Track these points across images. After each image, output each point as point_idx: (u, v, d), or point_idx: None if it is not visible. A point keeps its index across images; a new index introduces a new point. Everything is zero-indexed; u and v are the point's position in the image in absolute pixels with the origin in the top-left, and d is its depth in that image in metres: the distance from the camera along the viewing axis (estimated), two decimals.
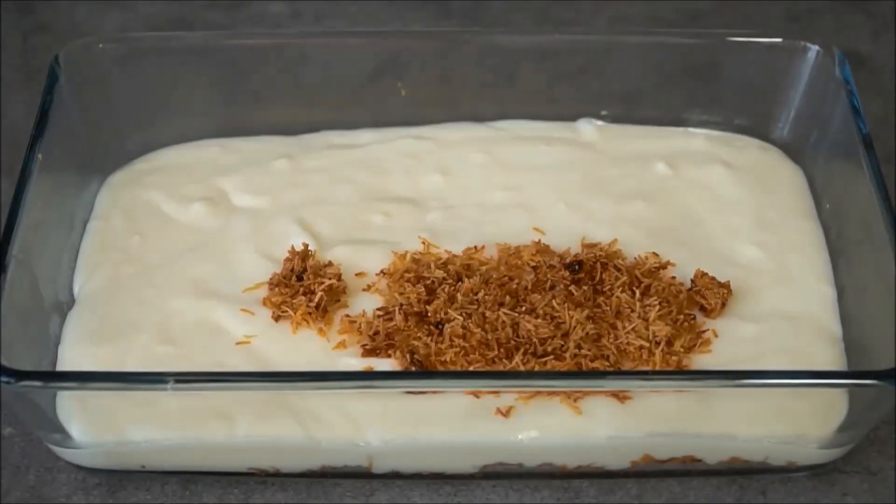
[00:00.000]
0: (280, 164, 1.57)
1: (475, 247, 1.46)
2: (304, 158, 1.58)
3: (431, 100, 1.61)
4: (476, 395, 1.32)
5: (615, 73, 1.65)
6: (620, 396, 1.33)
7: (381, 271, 1.43)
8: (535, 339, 1.34)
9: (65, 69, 1.54)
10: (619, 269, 1.41)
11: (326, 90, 1.64)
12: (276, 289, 1.39)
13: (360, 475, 1.38)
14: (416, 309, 1.37)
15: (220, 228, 1.50)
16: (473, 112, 1.62)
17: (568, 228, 1.49)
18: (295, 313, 1.37)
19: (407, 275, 1.40)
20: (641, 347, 1.34)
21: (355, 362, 1.35)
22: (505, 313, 1.36)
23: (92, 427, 1.33)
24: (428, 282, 1.39)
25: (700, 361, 1.36)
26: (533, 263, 1.42)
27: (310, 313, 1.37)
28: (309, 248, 1.45)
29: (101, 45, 1.59)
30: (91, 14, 1.95)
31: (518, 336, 1.35)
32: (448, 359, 1.34)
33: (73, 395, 1.33)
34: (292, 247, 1.45)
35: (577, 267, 1.40)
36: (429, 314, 1.37)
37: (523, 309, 1.37)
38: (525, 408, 1.32)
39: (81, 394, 1.32)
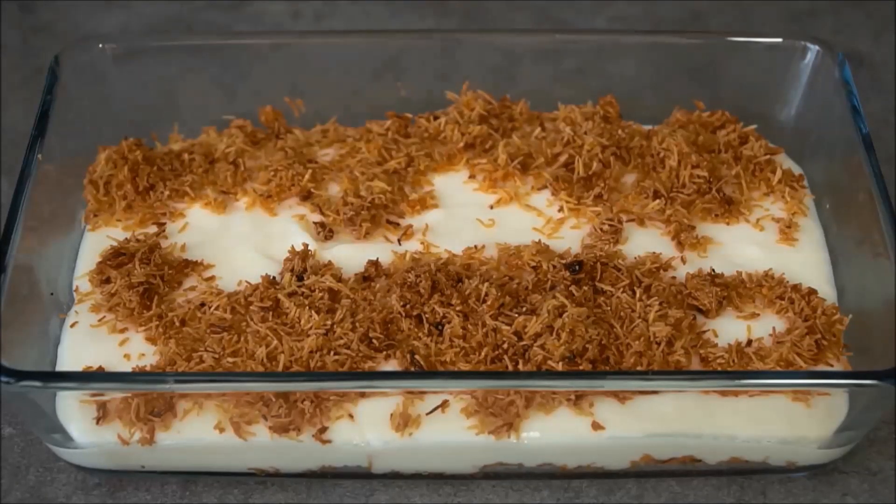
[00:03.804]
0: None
1: (475, 247, 1.46)
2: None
3: (431, 100, 1.61)
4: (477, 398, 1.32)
5: (615, 73, 1.65)
6: (620, 396, 1.33)
7: (381, 272, 1.43)
8: (533, 340, 1.34)
9: (65, 69, 1.55)
10: (619, 270, 1.41)
11: (326, 90, 1.64)
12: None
13: (360, 475, 1.38)
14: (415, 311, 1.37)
15: (219, 228, 1.50)
16: None
17: (568, 228, 1.49)
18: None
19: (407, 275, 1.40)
20: (641, 349, 1.34)
21: None
22: (505, 314, 1.36)
23: (92, 427, 1.33)
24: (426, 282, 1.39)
25: (700, 361, 1.36)
26: (533, 263, 1.42)
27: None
28: (309, 248, 1.45)
29: (101, 45, 1.59)
30: (91, 14, 1.95)
31: (517, 336, 1.35)
32: (448, 359, 1.34)
33: (73, 395, 1.33)
34: (292, 246, 1.45)
35: (577, 267, 1.40)
36: (428, 314, 1.37)
37: (523, 309, 1.37)
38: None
39: (81, 394, 1.32)
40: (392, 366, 1.35)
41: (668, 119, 1.60)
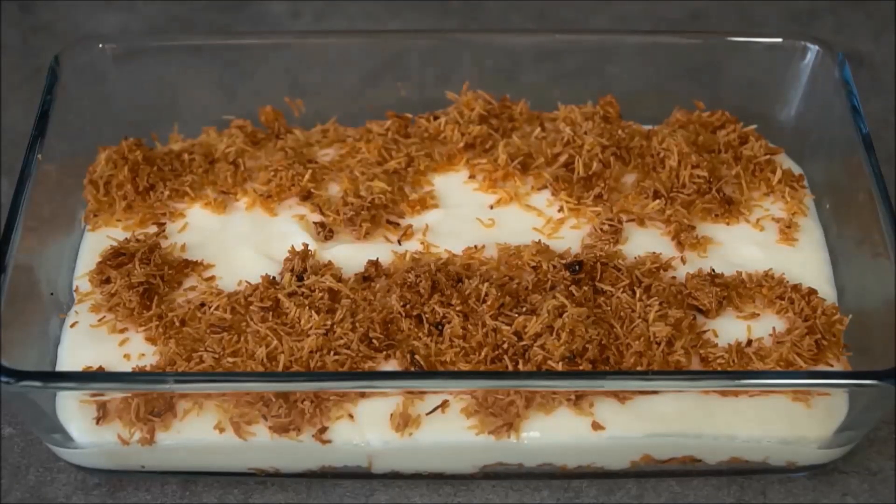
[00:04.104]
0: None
1: (475, 246, 1.46)
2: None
3: (431, 100, 1.61)
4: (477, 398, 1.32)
5: (615, 73, 1.65)
6: (620, 396, 1.33)
7: (381, 272, 1.43)
8: (533, 340, 1.34)
9: (65, 69, 1.55)
10: (619, 270, 1.41)
11: (326, 90, 1.64)
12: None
13: (360, 475, 1.38)
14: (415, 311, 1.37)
15: (219, 228, 1.50)
16: None
17: (568, 228, 1.49)
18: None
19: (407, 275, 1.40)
20: (641, 349, 1.34)
21: None
22: (505, 314, 1.36)
23: (92, 427, 1.33)
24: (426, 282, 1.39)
25: (700, 361, 1.36)
26: (533, 263, 1.42)
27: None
28: (309, 248, 1.45)
29: (101, 45, 1.59)
30: (91, 14, 1.95)
31: (517, 336, 1.35)
32: (448, 359, 1.34)
33: (73, 395, 1.33)
34: (292, 246, 1.45)
35: (577, 267, 1.40)
36: (428, 314, 1.37)
37: (524, 309, 1.37)
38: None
39: (81, 394, 1.32)
40: (392, 366, 1.35)
41: (668, 119, 1.60)
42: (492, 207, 1.51)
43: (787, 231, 1.48)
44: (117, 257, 1.43)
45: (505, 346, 1.34)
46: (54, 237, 1.47)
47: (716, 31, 1.79)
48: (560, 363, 1.31)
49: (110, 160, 1.51)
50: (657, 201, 1.48)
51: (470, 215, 1.50)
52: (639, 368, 1.33)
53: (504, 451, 1.34)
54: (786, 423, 1.33)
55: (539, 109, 1.61)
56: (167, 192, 1.51)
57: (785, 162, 1.56)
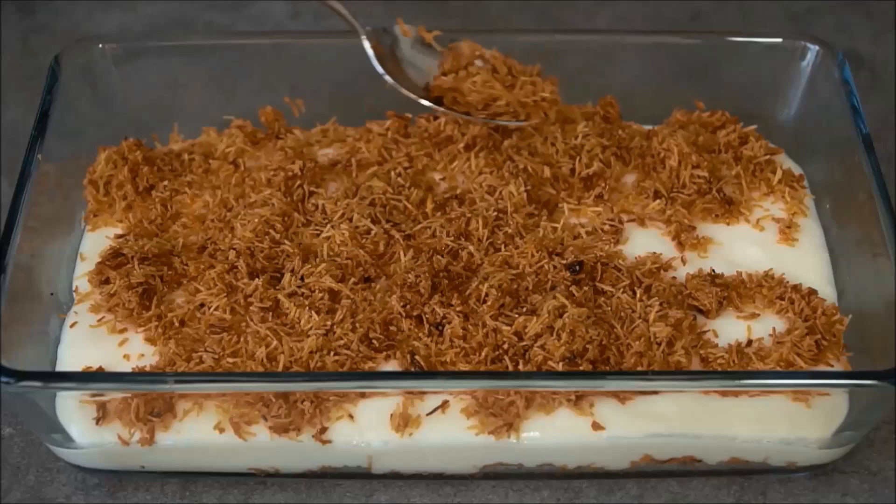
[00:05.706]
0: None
1: None
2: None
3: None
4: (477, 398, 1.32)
5: (615, 73, 1.65)
6: (621, 397, 1.33)
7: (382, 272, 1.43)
8: (533, 341, 1.34)
9: (65, 69, 1.55)
10: (619, 270, 1.41)
11: (326, 90, 1.64)
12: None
13: (360, 475, 1.38)
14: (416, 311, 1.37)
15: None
16: None
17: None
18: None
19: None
20: (641, 349, 1.34)
21: None
22: (505, 314, 1.36)
23: (92, 427, 1.33)
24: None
25: (700, 361, 1.36)
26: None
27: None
28: None
29: (101, 45, 1.59)
30: (91, 14, 1.95)
31: (517, 337, 1.35)
32: (448, 359, 1.34)
33: (73, 395, 1.33)
34: None
35: (577, 267, 1.40)
36: (428, 315, 1.37)
37: (524, 310, 1.37)
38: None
39: (81, 394, 1.32)
40: (392, 366, 1.35)
41: (668, 119, 1.60)
42: None
43: (787, 231, 1.48)
44: (116, 258, 1.43)
45: (505, 346, 1.34)
46: (54, 237, 1.47)
47: (716, 31, 1.78)
48: (560, 363, 1.31)
49: (110, 160, 1.51)
50: (657, 201, 1.48)
51: None
52: (639, 369, 1.33)
53: (504, 452, 1.34)
54: (786, 424, 1.33)
55: None
56: (167, 193, 1.51)
57: (785, 162, 1.56)
